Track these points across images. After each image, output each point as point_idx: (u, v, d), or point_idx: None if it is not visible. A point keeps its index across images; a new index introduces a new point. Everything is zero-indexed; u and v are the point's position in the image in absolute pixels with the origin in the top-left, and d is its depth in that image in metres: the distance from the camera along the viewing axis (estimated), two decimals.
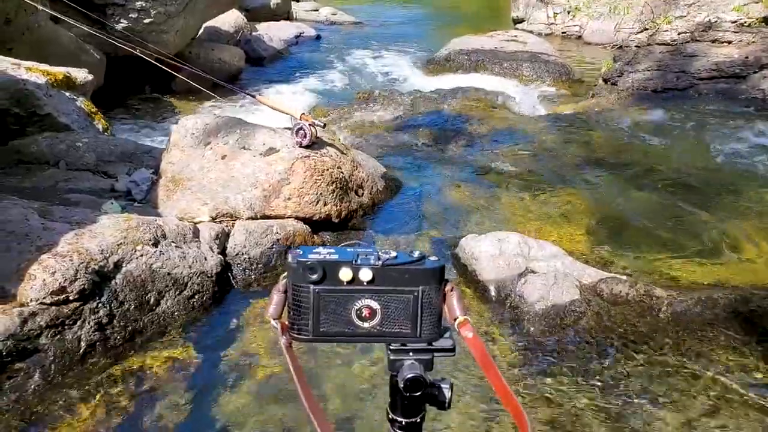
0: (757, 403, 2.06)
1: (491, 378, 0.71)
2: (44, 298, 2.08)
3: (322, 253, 0.71)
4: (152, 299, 2.37)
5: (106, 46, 5.23)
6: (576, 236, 3.32)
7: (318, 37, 10.74)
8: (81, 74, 4.44)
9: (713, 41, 6.62)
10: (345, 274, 0.69)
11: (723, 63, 6.46)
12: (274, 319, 0.73)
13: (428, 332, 0.72)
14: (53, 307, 2.09)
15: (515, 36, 8.75)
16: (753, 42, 6.47)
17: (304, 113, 3.30)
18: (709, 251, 3.20)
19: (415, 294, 0.71)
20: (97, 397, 2.00)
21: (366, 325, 0.71)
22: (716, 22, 6.67)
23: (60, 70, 4.25)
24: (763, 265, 3.06)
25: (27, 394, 1.96)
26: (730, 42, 6.57)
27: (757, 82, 6.29)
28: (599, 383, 2.16)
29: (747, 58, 6.42)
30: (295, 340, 0.73)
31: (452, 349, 0.74)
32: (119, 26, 5.51)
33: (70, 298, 2.12)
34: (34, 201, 2.65)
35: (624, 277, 2.70)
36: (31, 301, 2.06)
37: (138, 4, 5.70)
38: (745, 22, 6.55)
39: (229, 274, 2.73)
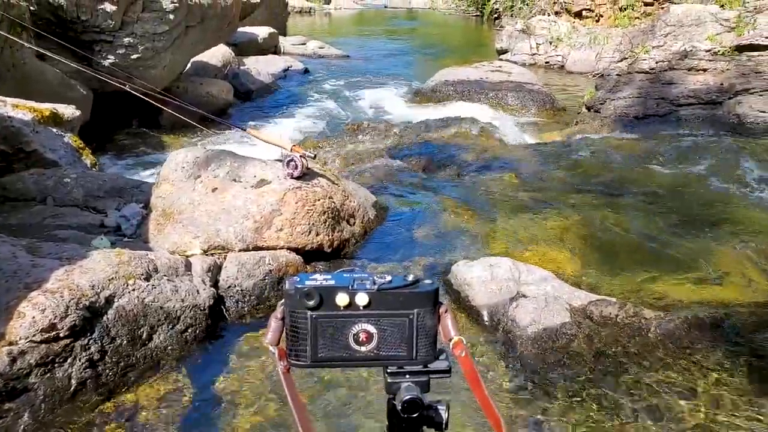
0: (745, 418, 2.07)
1: (477, 393, 0.75)
2: (34, 335, 2.05)
3: (319, 280, 0.73)
4: (145, 334, 2.35)
5: (92, 82, 5.27)
6: (565, 260, 3.36)
7: (306, 71, 10.90)
8: (68, 110, 4.45)
9: (689, 69, 6.84)
10: (342, 299, 0.71)
11: (700, 90, 6.66)
12: (272, 346, 0.75)
13: (424, 354, 0.74)
14: (43, 345, 2.06)
15: (500, 67, 8.96)
16: (727, 69, 6.69)
17: (294, 145, 3.34)
18: (693, 271, 3.25)
19: (410, 317, 0.73)
20: None
21: (363, 349, 0.73)
22: (692, 50, 6.89)
23: (47, 107, 4.27)
24: (746, 284, 3.12)
25: None
26: (705, 70, 6.79)
27: (733, 107, 6.48)
28: (591, 404, 2.17)
29: (722, 84, 6.63)
30: (293, 366, 0.74)
31: (448, 371, 0.75)
32: (106, 62, 5.56)
33: (61, 335, 2.10)
34: (21, 238, 2.64)
35: (613, 299, 2.73)
36: (20, 339, 2.04)
37: (126, 40, 5.76)
38: (719, 51, 6.78)
39: (222, 306, 2.72)
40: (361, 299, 0.71)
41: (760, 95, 6.44)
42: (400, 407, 0.71)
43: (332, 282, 0.72)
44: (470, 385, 0.75)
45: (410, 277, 0.74)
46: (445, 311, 0.75)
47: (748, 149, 5.30)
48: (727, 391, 2.20)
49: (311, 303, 0.71)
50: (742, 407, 2.12)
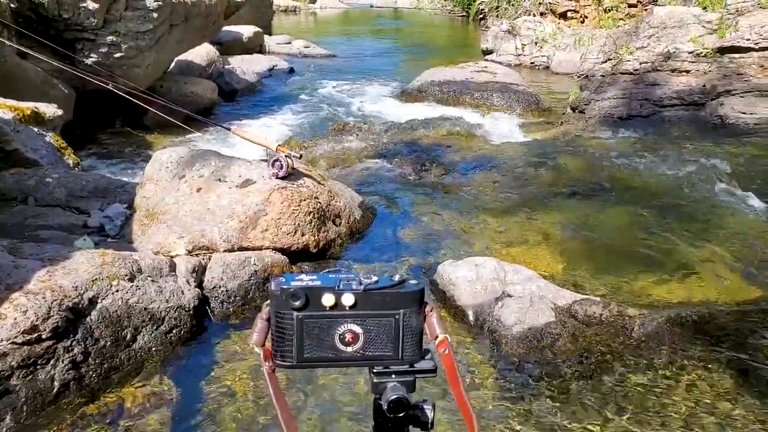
0: (727, 415, 2.11)
1: (455, 391, 0.77)
2: (15, 337, 2.02)
3: (305, 280, 0.72)
4: (129, 335, 2.33)
5: (74, 80, 5.19)
6: (550, 259, 3.39)
7: (291, 70, 10.83)
8: (50, 109, 4.39)
9: (673, 70, 6.92)
10: (328, 299, 0.71)
11: (683, 91, 6.74)
12: (257, 347, 0.74)
13: (410, 354, 0.74)
14: (25, 347, 2.03)
15: (485, 67, 8.98)
16: (709, 71, 6.78)
17: (280, 144, 3.33)
18: (676, 271, 3.30)
19: (396, 317, 0.73)
20: None
21: (349, 349, 0.73)
22: (674, 52, 6.98)
23: (28, 105, 4.20)
24: (727, 283, 3.17)
25: None
26: (688, 71, 6.87)
27: (715, 108, 6.57)
28: (576, 402, 2.19)
29: (704, 86, 6.72)
30: (278, 366, 0.74)
31: (434, 371, 0.76)
32: (89, 60, 5.48)
33: (43, 336, 2.07)
34: (2, 238, 2.60)
35: (597, 299, 2.76)
36: (1, 340, 2.01)
37: (109, 38, 5.68)
38: (701, 53, 6.87)
39: (207, 307, 2.70)
40: (347, 300, 0.71)
41: (742, 97, 6.53)
42: (386, 407, 0.71)
43: (318, 282, 0.72)
44: (449, 381, 0.76)
45: (396, 278, 0.74)
46: (431, 310, 0.75)
47: (729, 150, 5.38)
48: (709, 389, 2.23)
49: (297, 303, 0.71)
50: (723, 404, 2.15)
